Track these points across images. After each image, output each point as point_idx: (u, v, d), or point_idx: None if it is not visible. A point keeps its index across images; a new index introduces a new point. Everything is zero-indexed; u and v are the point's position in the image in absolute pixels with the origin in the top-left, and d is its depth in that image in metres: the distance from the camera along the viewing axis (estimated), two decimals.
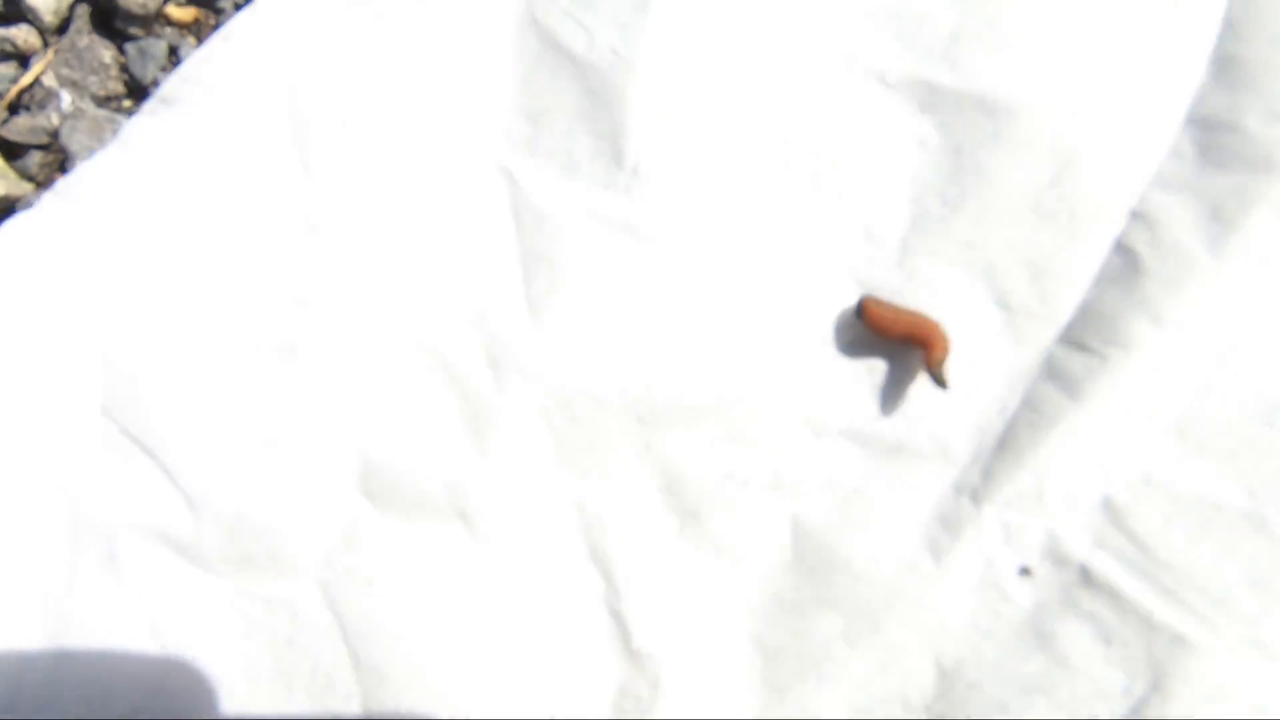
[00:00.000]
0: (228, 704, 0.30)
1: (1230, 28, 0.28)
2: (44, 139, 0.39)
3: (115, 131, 0.38)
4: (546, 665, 0.29)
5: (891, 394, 0.28)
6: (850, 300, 0.30)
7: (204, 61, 0.33)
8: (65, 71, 0.40)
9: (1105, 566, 0.25)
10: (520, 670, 0.29)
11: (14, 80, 0.39)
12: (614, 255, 0.30)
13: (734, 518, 0.29)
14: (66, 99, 0.40)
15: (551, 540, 0.30)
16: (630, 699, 0.28)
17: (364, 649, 0.29)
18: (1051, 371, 0.27)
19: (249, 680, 0.30)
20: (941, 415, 0.28)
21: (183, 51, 0.39)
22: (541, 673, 0.29)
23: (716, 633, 0.28)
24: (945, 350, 0.27)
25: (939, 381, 0.27)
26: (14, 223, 0.33)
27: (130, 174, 0.34)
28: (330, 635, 0.29)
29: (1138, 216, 0.28)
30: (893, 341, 0.28)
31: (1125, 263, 0.27)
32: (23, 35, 0.39)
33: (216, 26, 0.39)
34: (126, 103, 0.42)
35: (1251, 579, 0.24)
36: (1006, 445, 0.27)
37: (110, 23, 0.39)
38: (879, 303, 0.28)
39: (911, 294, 0.29)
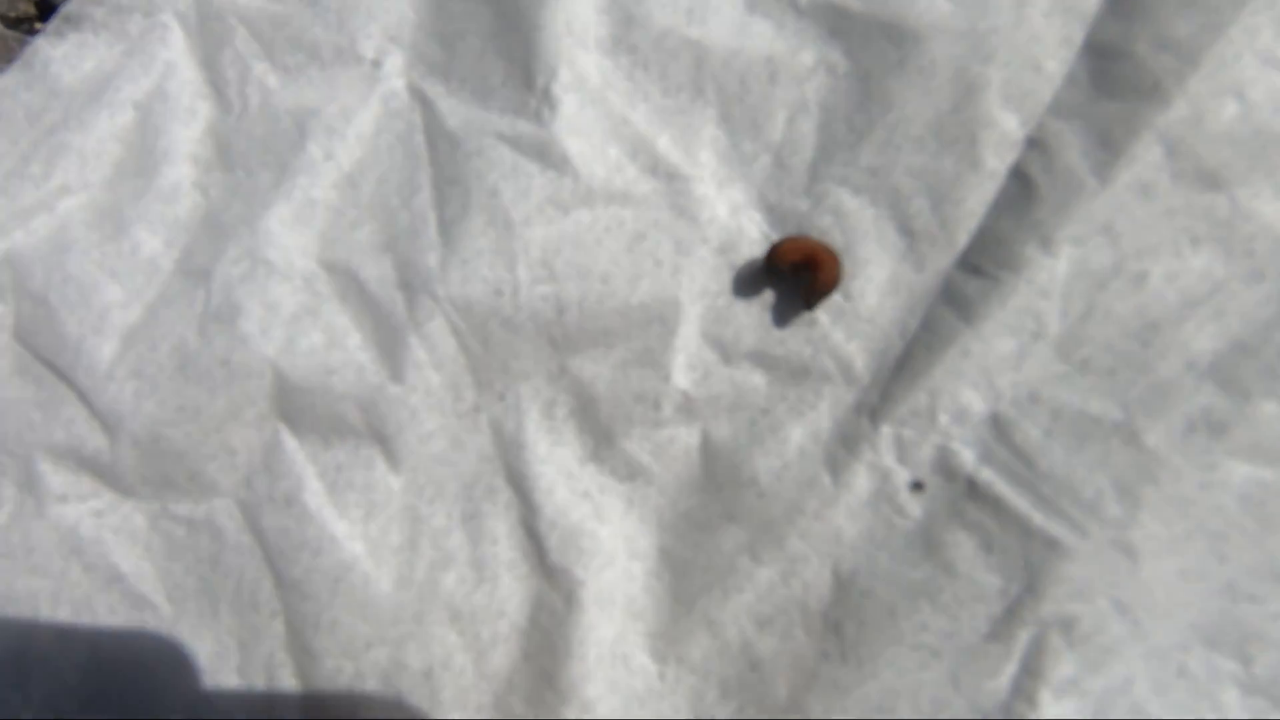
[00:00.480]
0: (153, 623, 0.30)
1: None
2: None
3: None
4: (464, 581, 0.30)
5: (794, 318, 0.29)
6: (759, 224, 0.30)
7: None
8: None
9: (990, 479, 0.27)
10: (439, 585, 0.30)
11: None
12: (525, 179, 0.31)
13: (646, 439, 0.30)
14: None
15: (468, 461, 0.31)
16: (545, 612, 0.29)
17: (286, 567, 0.30)
18: (948, 295, 0.28)
19: (174, 600, 0.30)
20: (845, 338, 0.29)
21: None
22: (459, 588, 0.30)
23: (628, 549, 0.29)
24: (830, 276, 0.28)
25: (808, 304, 0.29)
26: None
27: (34, 93, 0.33)
28: (252, 554, 0.30)
29: (1034, 144, 0.28)
30: (793, 268, 0.29)
31: (1020, 188, 0.28)
32: None
33: None
34: (38, 24, 0.40)
35: (1120, 486, 0.26)
36: (904, 366, 0.28)
37: None
38: (783, 240, 0.29)
39: (818, 219, 0.30)
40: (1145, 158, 0.27)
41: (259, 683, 0.29)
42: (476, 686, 0.29)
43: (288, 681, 0.29)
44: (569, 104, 0.30)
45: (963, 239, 0.29)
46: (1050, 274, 0.27)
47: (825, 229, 0.30)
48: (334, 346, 0.31)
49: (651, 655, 0.28)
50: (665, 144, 0.31)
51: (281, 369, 0.30)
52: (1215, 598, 0.24)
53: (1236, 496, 0.25)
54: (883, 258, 0.29)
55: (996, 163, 0.29)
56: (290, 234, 0.31)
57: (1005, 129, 0.29)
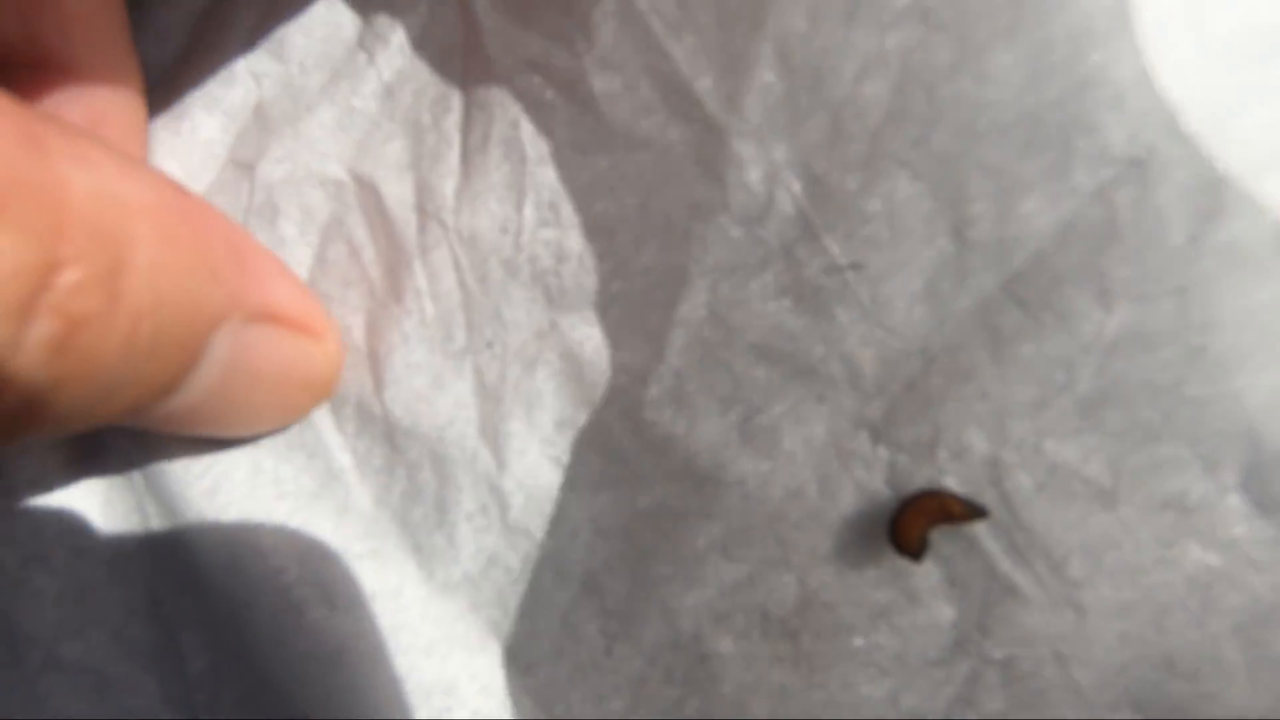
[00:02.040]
0: None
1: None
2: None
3: None
4: (427, 518, 0.29)
5: (813, 315, 0.26)
6: (796, 198, 0.26)
7: None
8: None
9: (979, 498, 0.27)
10: (408, 516, 0.29)
11: None
12: (548, 114, 0.25)
13: (629, 417, 0.27)
14: None
15: (445, 403, 0.28)
16: (500, 569, 0.28)
17: None
18: (983, 322, 0.26)
19: None
20: (861, 344, 0.27)
21: None
22: (424, 523, 0.29)
23: (595, 525, 0.28)
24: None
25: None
26: None
27: None
28: None
29: (1135, 166, 0.25)
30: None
31: (1101, 219, 0.25)
32: None
33: None
34: None
35: (1086, 548, 0.26)
36: (915, 389, 0.26)
37: None
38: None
39: (866, 203, 0.26)
40: (1240, 228, 0.24)
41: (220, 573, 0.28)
42: (418, 628, 0.28)
43: None
44: (606, 32, 0.24)
45: (1018, 261, 0.26)
46: (1099, 331, 0.25)
47: (870, 216, 0.26)
48: (353, 258, 0.29)
49: (601, 631, 0.28)
50: (706, 86, 0.25)
51: (313, 277, 0.29)
52: (1151, 668, 0.26)
53: (1185, 577, 0.26)
54: (924, 262, 0.26)
55: (1086, 179, 0.25)
56: (330, 140, 0.29)
57: (1110, 140, 0.24)
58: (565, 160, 0.26)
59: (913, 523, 0.27)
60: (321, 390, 0.29)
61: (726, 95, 0.25)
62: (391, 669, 0.27)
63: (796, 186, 0.26)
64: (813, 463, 0.27)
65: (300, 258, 0.29)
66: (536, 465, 0.28)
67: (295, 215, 0.29)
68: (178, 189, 0.25)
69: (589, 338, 0.27)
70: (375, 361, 0.29)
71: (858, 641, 0.27)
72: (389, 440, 0.29)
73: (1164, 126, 0.24)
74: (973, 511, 0.26)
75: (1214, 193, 0.24)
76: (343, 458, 0.29)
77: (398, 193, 0.28)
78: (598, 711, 0.28)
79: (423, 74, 0.28)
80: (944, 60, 0.25)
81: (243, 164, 0.29)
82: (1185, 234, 0.24)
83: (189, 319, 0.23)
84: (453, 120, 0.28)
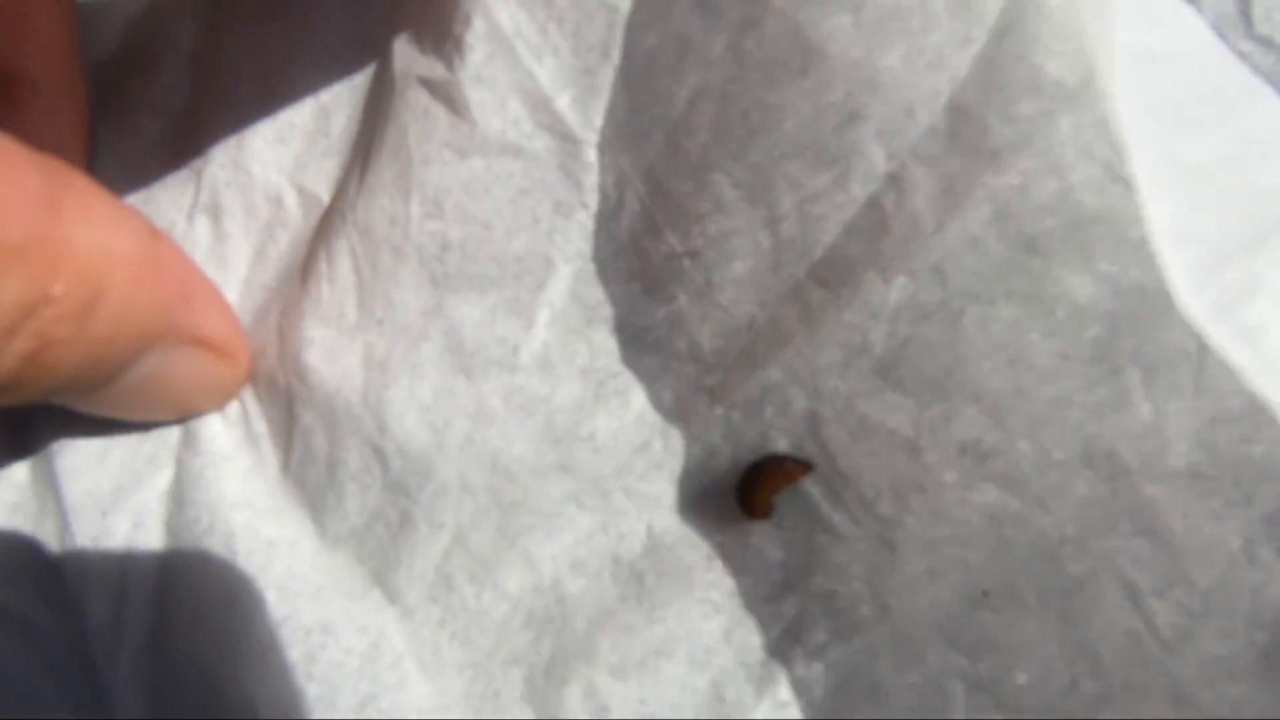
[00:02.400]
0: None
1: (994, 34, 0.31)
2: None
3: None
4: (319, 478, 0.32)
5: (656, 298, 0.32)
6: (642, 199, 0.32)
7: None
8: None
9: (801, 447, 0.30)
10: (305, 477, 0.33)
11: None
12: (431, 121, 0.32)
13: (499, 382, 0.32)
14: None
15: (334, 374, 0.32)
16: (381, 524, 0.31)
17: None
18: (795, 299, 0.31)
19: None
20: (700, 322, 0.31)
21: None
22: (316, 482, 0.32)
23: (463, 483, 0.31)
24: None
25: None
26: None
27: None
28: None
29: (893, 180, 0.31)
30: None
31: (874, 218, 0.31)
32: None
33: None
34: None
35: (895, 491, 0.30)
36: (746, 356, 0.31)
37: None
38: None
39: (699, 204, 0.32)
40: (977, 214, 0.30)
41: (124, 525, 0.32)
42: (307, 575, 0.31)
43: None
44: (478, 53, 0.30)
45: (818, 252, 0.31)
46: (882, 300, 0.30)
47: (702, 214, 0.32)
48: (282, 252, 0.34)
49: (470, 579, 0.31)
50: (565, 103, 0.31)
51: (252, 271, 0.34)
52: (958, 600, 0.29)
53: (984, 515, 0.29)
54: (747, 253, 0.32)
55: (860, 190, 0.31)
56: (269, 151, 0.34)
57: (874, 160, 0.31)
58: (446, 161, 0.32)
59: (760, 489, 0.30)
60: (223, 398, 0.34)
61: (582, 112, 0.32)
62: (278, 610, 0.30)
63: (642, 189, 0.32)
64: (658, 422, 0.31)
65: (242, 253, 0.35)
66: (415, 429, 0.32)
67: (239, 215, 0.34)
68: (154, 236, 0.30)
69: (468, 317, 0.32)
70: (283, 339, 0.33)
71: (697, 579, 0.30)
72: (289, 408, 0.33)
73: (910, 151, 0.31)
74: (802, 467, 0.30)
75: (951, 193, 0.30)
76: (259, 425, 0.33)
77: (315, 192, 0.34)
78: (465, 652, 0.30)
79: (351, 97, 0.34)
80: (754, 93, 0.31)
81: (189, 166, 0.35)
82: (934, 224, 0.30)
83: (134, 341, 0.29)
84: (361, 129, 0.34)
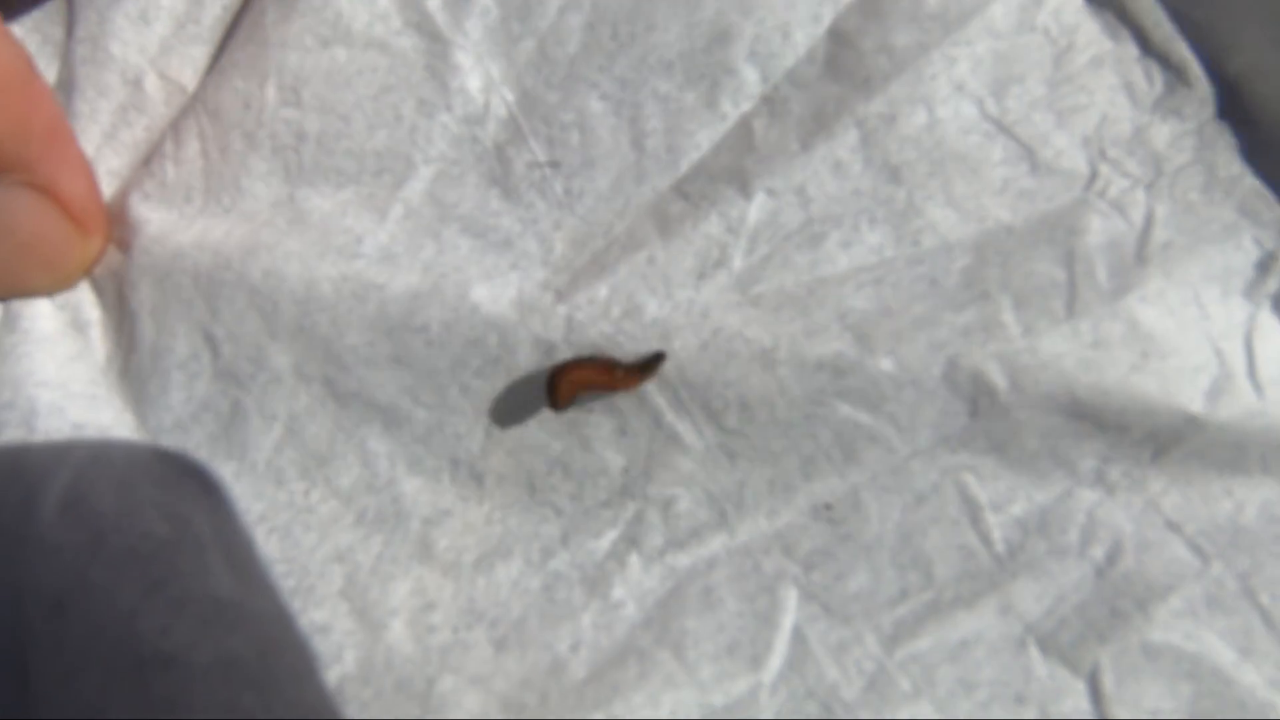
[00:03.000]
0: None
1: None
2: None
3: None
4: (141, 374, 0.30)
5: (512, 199, 0.31)
6: (509, 106, 0.32)
7: None
8: None
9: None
10: (118, 380, 0.31)
11: None
12: (289, 6, 0.31)
13: (339, 270, 0.30)
14: None
15: (182, 255, 0.31)
16: (210, 414, 0.30)
17: None
18: (655, 211, 0.31)
19: None
20: (553, 226, 0.31)
21: None
22: (135, 380, 0.30)
23: (297, 372, 0.30)
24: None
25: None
26: None
27: None
28: None
29: (766, 101, 0.32)
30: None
31: (742, 137, 0.31)
32: None
33: None
34: None
35: (742, 402, 0.30)
36: (597, 260, 0.31)
37: None
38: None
39: (564, 114, 0.32)
40: (843, 139, 0.31)
41: None
42: (111, 460, 0.29)
43: None
44: None
45: (683, 167, 0.31)
46: (742, 215, 0.31)
47: (567, 125, 0.32)
48: (132, 134, 0.32)
49: (301, 474, 0.29)
50: (436, 4, 0.31)
51: (100, 153, 0.32)
52: (798, 512, 0.29)
53: (832, 430, 0.29)
54: (610, 165, 0.32)
55: (730, 108, 0.32)
56: (133, 30, 0.32)
57: (745, 80, 0.32)
58: (307, 48, 0.31)
59: (562, 384, 0.30)
60: (61, 277, 0.31)
61: (453, 14, 0.31)
62: (71, 492, 0.27)
63: (510, 97, 0.32)
64: (496, 317, 0.30)
65: (90, 134, 0.32)
66: (245, 313, 0.30)
67: (90, 94, 0.32)
68: (31, 64, 0.28)
69: (318, 208, 0.31)
70: (121, 221, 0.31)
71: (537, 483, 0.29)
72: (119, 291, 0.31)
73: (785, 74, 0.32)
74: (642, 368, 0.29)
75: (821, 117, 0.31)
76: (91, 313, 0.31)
77: (180, 80, 0.32)
78: (283, 547, 0.28)
79: None
80: (624, 8, 0.32)
81: (51, 40, 0.33)
82: (799, 145, 0.31)
83: None
84: (217, 6, 0.32)
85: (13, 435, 0.28)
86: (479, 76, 0.32)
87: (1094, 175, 0.31)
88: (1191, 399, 0.29)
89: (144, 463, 0.29)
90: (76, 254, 0.31)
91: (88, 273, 0.32)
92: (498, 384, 0.30)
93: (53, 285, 0.31)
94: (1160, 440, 0.29)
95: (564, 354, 0.30)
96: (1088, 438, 0.29)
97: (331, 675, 0.27)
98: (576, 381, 0.29)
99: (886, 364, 0.30)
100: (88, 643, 0.25)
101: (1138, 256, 0.31)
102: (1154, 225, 0.31)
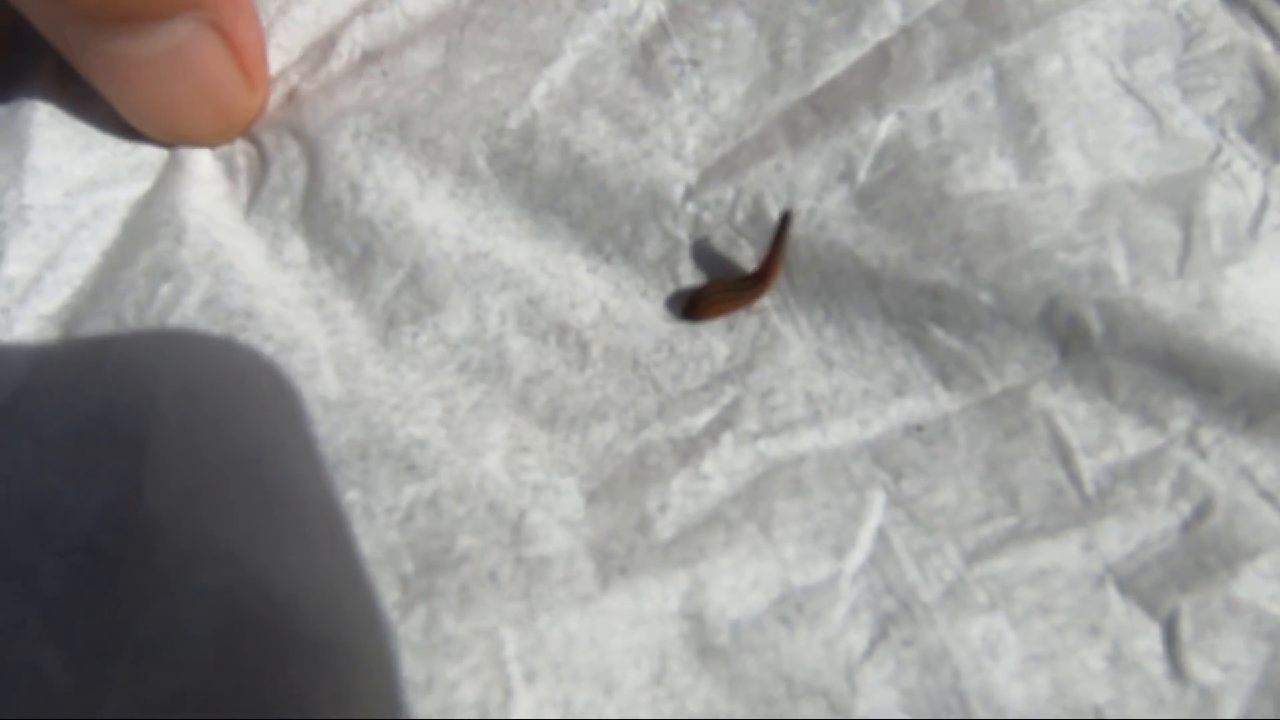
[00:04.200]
0: None
1: None
2: None
3: None
4: (288, 217, 0.32)
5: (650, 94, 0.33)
6: (660, 11, 0.33)
7: None
8: None
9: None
10: (260, 219, 0.32)
11: None
12: None
13: (484, 147, 0.32)
14: None
15: (331, 113, 0.33)
16: (341, 256, 0.31)
17: None
18: (786, 120, 0.32)
19: None
20: (688, 122, 0.32)
21: None
22: (281, 222, 0.32)
23: (435, 227, 0.31)
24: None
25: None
26: None
27: None
28: None
29: (905, 32, 0.33)
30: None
31: (879, 61, 0.32)
32: None
33: None
34: None
35: (840, 315, 0.30)
36: (725, 161, 0.32)
37: None
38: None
39: (711, 23, 0.33)
40: (979, 75, 0.32)
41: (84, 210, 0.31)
42: (245, 271, 0.30)
43: None
44: None
45: (817, 82, 0.32)
46: (872, 132, 0.31)
47: (711, 32, 0.33)
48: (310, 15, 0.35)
49: (413, 317, 0.31)
50: None
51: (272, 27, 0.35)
52: (889, 428, 0.29)
53: (925, 355, 0.30)
54: (748, 74, 0.33)
55: (869, 34, 0.33)
56: None
57: (887, 11, 0.33)
58: None
59: (706, 311, 0.30)
60: (226, 126, 0.33)
61: None
62: (209, 292, 0.29)
63: (662, 7, 0.33)
64: (630, 206, 0.31)
65: (266, 8, 0.35)
66: (396, 172, 0.32)
67: None
68: None
69: (468, 79, 0.32)
70: (287, 85, 0.33)
71: (641, 359, 0.30)
72: (279, 141, 0.33)
73: (926, 11, 0.33)
74: (751, 292, 0.30)
75: (957, 53, 0.32)
76: (241, 160, 0.33)
77: None
78: (388, 376, 0.29)
79: None
80: None
81: None
82: (935, 74, 0.32)
83: None
84: None
85: (165, 245, 0.30)
86: None
87: (1219, 150, 0.31)
88: None
89: (273, 286, 0.30)
90: (243, 105, 0.33)
91: (246, 131, 0.34)
92: (620, 269, 0.31)
93: (218, 134, 0.33)
94: (1253, 407, 0.29)
95: (686, 250, 0.31)
96: (1179, 395, 0.29)
97: (426, 487, 0.27)
98: (717, 308, 0.30)
99: (986, 297, 0.30)
100: (213, 430, 0.26)
101: (1251, 231, 0.31)
102: (1269, 206, 0.31)
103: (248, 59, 0.32)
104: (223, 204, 0.32)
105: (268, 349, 0.28)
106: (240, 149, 0.34)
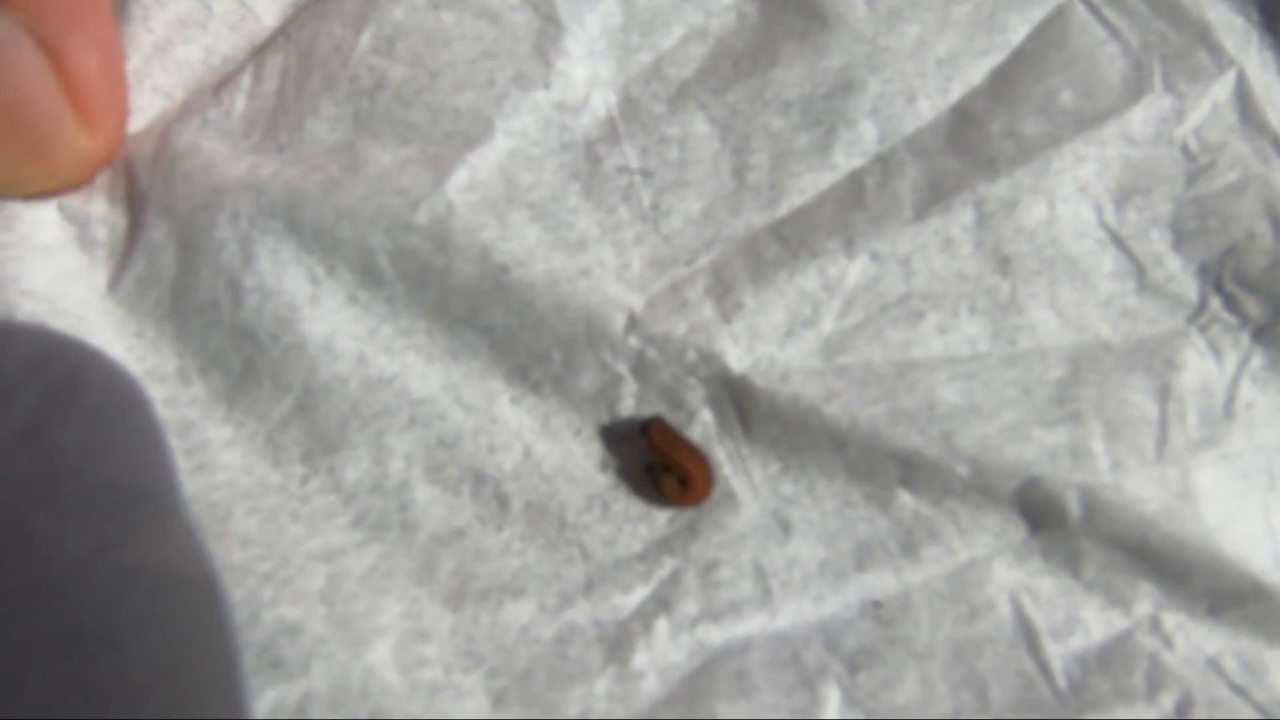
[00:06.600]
0: None
1: (1015, 55, 0.31)
2: None
3: None
4: (155, 313, 0.26)
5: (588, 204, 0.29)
6: (610, 107, 0.29)
7: None
8: None
9: (707, 422, 0.28)
10: (125, 316, 0.26)
11: None
12: None
13: (387, 243, 0.27)
14: None
15: (207, 192, 0.27)
16: (219, 371, 0.26)
17: None
18: (747, 249, 0.29)
19: None
20: (638, 245, 0.28)
21: None
22: (145, 319, 0.26)
23: (329, 341, 0.26)
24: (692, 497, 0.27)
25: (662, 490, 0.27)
26: None
27: None
28: None
29: (880, 160, 0.30)
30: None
31: (852, 191, 0.29)
32: None
33: None
34: None
35: (804, 475, 0.27)
36: (678, 290, 0.28)
37: None
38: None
39: (668, 128, 0.29)
40: (959, 216, 0.29)
41: None
42: (101, 389, 0.25)
43: None
44: None
45: (783, 209, 0.29)
46: (842, 273, 0.28)
47: (668, 138, 0.29)
48: (193, 54, 0.30)
49: (303, 457, 0.26)
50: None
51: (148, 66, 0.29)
52: (847, 605, 0.26)
53: (893, 521, 0.27)
54: (706, 190, 0.29)
55: (842, 160, 0.30)
56: None
57: (863, 135, 0.30)
58: (416, 7, 0.29)
59: (659, 440, 0.27)
60: (46, 169, 0.26)
61: (574, 5, 0.29)
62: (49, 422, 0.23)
63: (613, 99, 0.29)
64: (561, 331, 0.27)
65: (140, 43, 0.29)
66: (284, 271, 0.27)
67: (149, 2, 0.29)
68: None
69: (377, 159, 0.28)
70: (164, 139, 0.28)
71: (569, 518, 0.26)
72: (141, 218, 0.27)
73: (905, 139, 0.30)
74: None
75: (938, 189, 0.29)
76: (100, 231, 0.27)
77: (254, 7, 0.29)
78: (264, 529, 0.24)
79: None
80: (749, 43, 0.30)
81: None
82: (913, 214, 0.29)
83: None
84: None
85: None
86: (586, 69, 0.29)
87: (1201, 307, 0.30)
88: (1263, 567, 0.27)
89: (123, 404, 0.24)
90: (68, 144, 0.26)
91: (88, 179, 0.27)
92: (549, 405, 0.27)
93: (36, 180, 0.26)
94: (1216, 598, 0.27)
95: (630, 390, 0.27)
96: (1144, 578, 0.27)
97: (294, 690, 0.22)
98: (665, 447, 0.26)
99: (963, 470, 0.27)
100: (14, 600, 0.20)
101: (1225, 410, 0.29)
102: (1243, 379, 0.30)
103: (82, 88, 0.25)
104: (69, 284, 0.26)
105: (105, 500, 0.22)
106: (100, 213, 0.28)
